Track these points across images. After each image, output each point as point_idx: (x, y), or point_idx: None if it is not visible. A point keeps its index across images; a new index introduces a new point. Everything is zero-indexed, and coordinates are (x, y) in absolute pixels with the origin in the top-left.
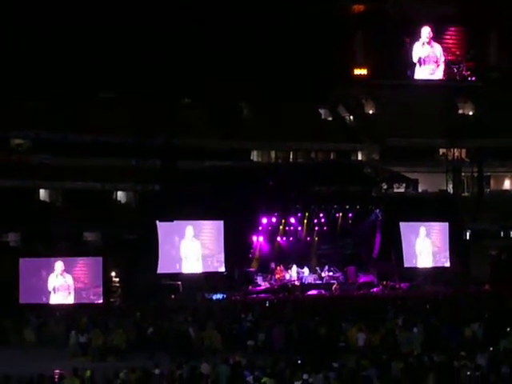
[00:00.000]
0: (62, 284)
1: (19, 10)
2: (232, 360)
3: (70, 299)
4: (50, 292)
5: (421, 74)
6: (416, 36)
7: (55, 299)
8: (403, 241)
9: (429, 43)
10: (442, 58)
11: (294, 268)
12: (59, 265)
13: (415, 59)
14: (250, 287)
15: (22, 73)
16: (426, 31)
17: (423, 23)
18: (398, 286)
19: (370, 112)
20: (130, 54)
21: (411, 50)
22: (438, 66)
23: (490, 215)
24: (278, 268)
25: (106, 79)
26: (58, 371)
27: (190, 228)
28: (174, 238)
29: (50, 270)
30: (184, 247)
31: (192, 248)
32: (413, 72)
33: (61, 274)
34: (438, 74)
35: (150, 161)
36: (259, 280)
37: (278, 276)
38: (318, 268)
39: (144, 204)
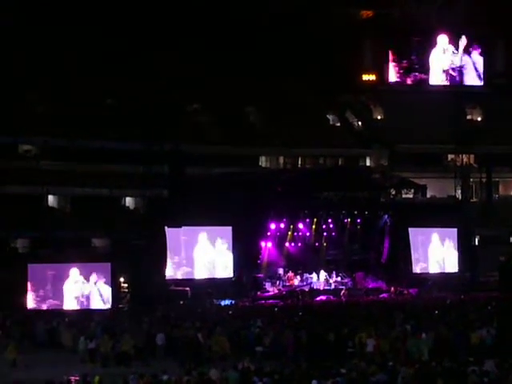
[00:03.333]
0: (80, 290)
1: (27, 16)
2: (241, 366)
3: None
4: (63, 298)
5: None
6: (425, 42)
7: (70, 305)
8: (412, 246)
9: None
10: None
11: (323, 273)
12: (74, 271)
13: (434, 66)
14: (259, 293)
15: (30, 79)
16: (443, 39)
17: (432, 30)
18: (406, 291)
19: (379, 118)
20: (137, 60)
21: (425, 56)
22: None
23: (498, 221)
24: (289, 274)
25: (113, 85)
26: (66, 377)
27: (198, 234)
28: (182, 243)
29: (59, 275)
30: (192, 253)
31: (200, 254)
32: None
33: (76, 281)
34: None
35: (158, 167)
36: (267, 286)
37: (290, 282)
38: (326, 274)
39: (152, 210)
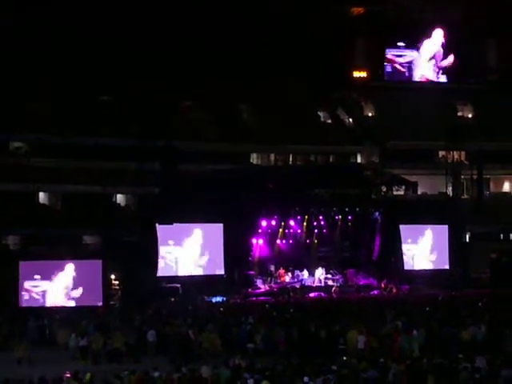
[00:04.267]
0: (67, 286)
1: (21, 13)
2: (232, 363)
3: (71, 302)
4: (53, 294)
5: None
6: (415, 38)
7: (58, 301)
8: (403, 243)
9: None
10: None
11: (320, 270)
12: (70, 267)
13: (426, 56)
14: (250, 290)
15: (22, 75)
16: (438, 33)
17: (425, 26)
18: (397, 288)
19: (370, 115)
20: (130, 56)
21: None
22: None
23: (489, 218)
24: (280, 271)
25: (106, 82)
26: (57, 375)
27: (189, 231)
28: (173, 240)
29: (51, 273)
30: (183, 250)
31: (192, 251)
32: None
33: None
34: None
35: (150, 164)
36: (259, 283)
37: (281, 279)
38: (322, 271)
39: (143, 207)
